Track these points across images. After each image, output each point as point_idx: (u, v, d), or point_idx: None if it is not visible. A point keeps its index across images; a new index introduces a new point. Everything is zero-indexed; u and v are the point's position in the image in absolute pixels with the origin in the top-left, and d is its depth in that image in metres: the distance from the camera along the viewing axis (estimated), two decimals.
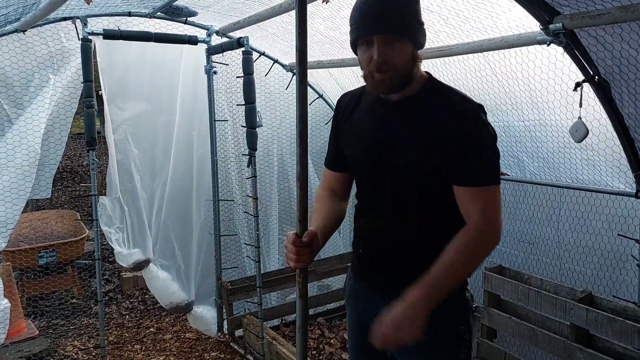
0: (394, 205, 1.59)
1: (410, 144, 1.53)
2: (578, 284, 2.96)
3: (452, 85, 1.61)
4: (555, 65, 2.40)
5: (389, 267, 1.64)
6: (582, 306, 2.55)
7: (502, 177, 3.03)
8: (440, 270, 1.46)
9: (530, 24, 2.21)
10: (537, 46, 2.27)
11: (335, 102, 1.85)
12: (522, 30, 2.33)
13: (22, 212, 3.17)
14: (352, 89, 1.79)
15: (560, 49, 2.21)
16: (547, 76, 2.56)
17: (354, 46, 1.55)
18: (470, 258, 1.49)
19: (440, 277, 1.46)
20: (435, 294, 1.46)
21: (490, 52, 2.57)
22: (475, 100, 1.54)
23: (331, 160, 1.84)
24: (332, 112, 1.87)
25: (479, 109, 1.51)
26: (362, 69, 1.56)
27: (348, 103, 1.74)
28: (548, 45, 2.21)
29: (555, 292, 2.76)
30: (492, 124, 1.54)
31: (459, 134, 1.47)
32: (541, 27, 2.15)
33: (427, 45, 2.72)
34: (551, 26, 2.10)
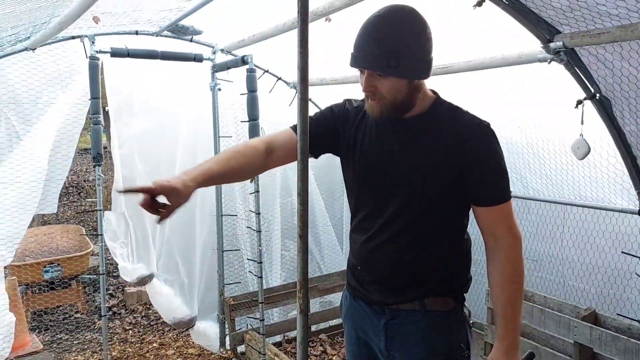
0: (395, 223, 1.59)
1: (417, 164, 1.54)
2: (582, 302, 2.95)
3: (452, 101, 1.62)
4: (556, 83, 2.42)
5: (387, 286, 1.64)
6: (586, 324, 2.54)
7: None
8: (508, 307, 1.55)
9: (530, 42, 2.24)
10: (538, 64, 2.30)
11: None
12: (523, 49, 2.35)
13: (29, 227, 3.19)
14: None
15: (561, 67, 2.23)
16: (548, 93, 2.58)
17: None
18: (519, 276, 1.56)
19: (513, 312, 1.55)
20: (517, 326, 1.56)
21: (492, 69, 2.59)
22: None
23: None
24: None
25: (489, 125, 1.55)
26: None
27: (354, 112, 1.70)
28: (549, 63, 2.23)
29: (559, 310, 2.74)
30: None
31: (477, 153, 1.50)
32: (542, 45, 2.18)
33: None
34: (552, 44, 2.13)
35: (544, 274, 3.22)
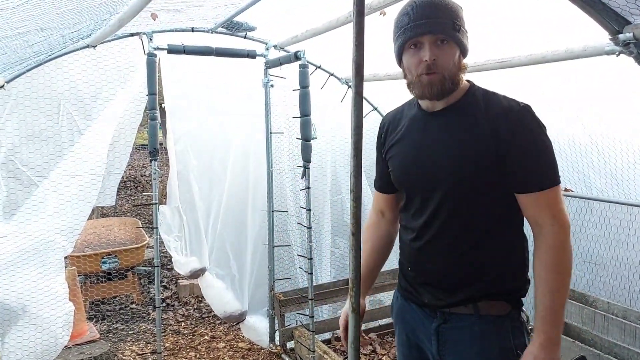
0: (439, 220, 1.55)
1: (455, 155, 1.50)
2: None
3: (512, 96, 1.55)
4: (624, 77, 2.29)
5: (437, 286, 1.59)
6: None
7: (566, 193, 2.92)
8: (548, 296, 1.44)
9: (593, 34, 2.12)
10: (605, 56, 2.17)
11: None
12: (588, 42, 2.23)
13: (88, 219, 3.31)
14: (396, 107, 1.78)
15: (631, 60, 2.10)
16: (615, 88, 2.44)
17: (399, 54, 1.55)
18: (563, 266, 1.45)
19: (552, 303, 1.44)
20: (557, 319, 1.44)
21: (554, 63, 2.48)
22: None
23: (379, 182, 1.84)
24: None
25: (529, 107, 1.48)
26: (406, 76, 1.56)
27: (391, 123, 1.73)
28: (617, 56, 2.11)
29: (624, 317, 2.60)
30: (555, 137, 1.48)
31: (514, 137, 1.43)
32: (610, 37, 2.06)
33: (486, 58, 2.67)
34: (621, 36, 2.01)
35: (607, 278, 3.05)
